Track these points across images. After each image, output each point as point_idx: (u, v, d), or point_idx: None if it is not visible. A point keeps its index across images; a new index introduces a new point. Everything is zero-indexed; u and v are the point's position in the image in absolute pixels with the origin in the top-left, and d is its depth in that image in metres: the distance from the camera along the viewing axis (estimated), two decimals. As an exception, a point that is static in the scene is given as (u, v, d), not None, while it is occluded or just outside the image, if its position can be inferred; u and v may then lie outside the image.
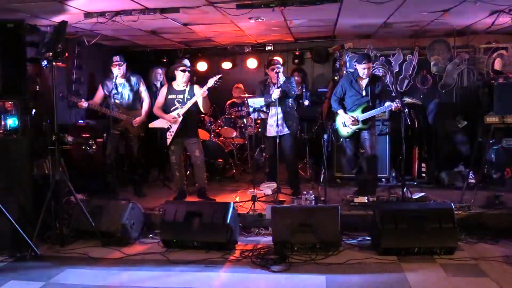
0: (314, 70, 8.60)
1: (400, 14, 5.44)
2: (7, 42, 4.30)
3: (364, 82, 5.40)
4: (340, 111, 5.49)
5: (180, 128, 5.52)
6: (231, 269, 3.97)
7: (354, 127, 5.40)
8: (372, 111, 5.31)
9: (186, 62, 5.63)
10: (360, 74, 5.35)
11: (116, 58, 5.69)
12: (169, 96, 5.59)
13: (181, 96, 5.54)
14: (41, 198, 4.47)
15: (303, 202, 5.17)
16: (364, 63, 5.26)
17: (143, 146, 6.23)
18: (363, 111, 5.35)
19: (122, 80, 5.81)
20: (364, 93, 5.38)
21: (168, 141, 5.59)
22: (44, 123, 4.63)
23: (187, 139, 5.63)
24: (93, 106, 5.73)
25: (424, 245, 4.08)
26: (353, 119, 5.36)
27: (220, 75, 5.38)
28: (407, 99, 5.24)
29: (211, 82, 5.37)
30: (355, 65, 5.52)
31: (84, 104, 5.66)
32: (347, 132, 5.50)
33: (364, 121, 5.36)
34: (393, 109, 5.19)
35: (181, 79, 5.53)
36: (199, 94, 5.40)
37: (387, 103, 5.20)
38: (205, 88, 5.36)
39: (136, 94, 5.92)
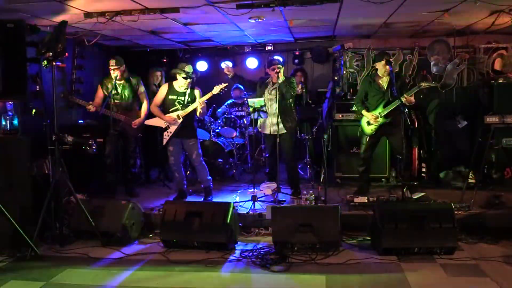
0: (314, 70, 8.59)
1: (400, 14, 5.43)
2: (7, 42, 4.30)
3: (384, 80, 5.56)
4: (364, 112, 5.65)
5: (180, 128, 5.52)
6: (231, 269, 3.97)
7: (377, 123, 5.53)
8: (390, 104, 5.44)
9: (189, 69, 5.52)
10: (379, 73, 5.53)
11: (112, 62, 5.66)
12: (170, 96, 5.57)
13: (182, 98, 5.53)
14: (41, 198, 4.47)
15: (303, 202, 5.17)
16: (383, 61, 5.43)
17: (143, 147, 6.21)
18: (385, 106, 5.50)
19: (122, 81, 5.81)
20: (385, 90, 5.55)
21: (165, 141, 5.59)
22: (44, 123, 4.62)
23: (186, 140, 5.62)
24: (97, 108, 5.68)
25: (424, 245, 4.08)
26: (376, 116, 5.50)
27: (227, 84, 5.41)
28: (423, 84, 5.36)
29: (216, 89, 5.40)
30: (375, 64, 5.64)
31: (93, 108, 5.61)
32: (372, 130, 5.63)
33: (386, 115, 5.48)
34: (404, 102, 5.29)
35: (182, 84, 5.52)
36: (199, 101, 5.41)
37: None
38: (206, 98, 5.41)
39: (135, 95, 5.92)
